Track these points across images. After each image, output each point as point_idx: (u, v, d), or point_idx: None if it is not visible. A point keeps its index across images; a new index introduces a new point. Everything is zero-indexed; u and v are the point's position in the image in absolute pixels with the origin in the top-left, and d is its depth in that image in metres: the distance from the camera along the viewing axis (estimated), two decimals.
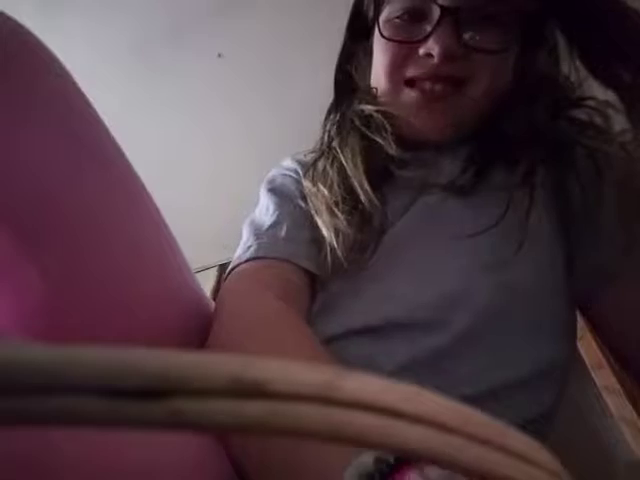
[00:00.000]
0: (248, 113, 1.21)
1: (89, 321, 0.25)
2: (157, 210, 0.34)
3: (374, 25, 0.41)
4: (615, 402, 0.69)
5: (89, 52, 1.16)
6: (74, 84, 0.29)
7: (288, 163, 0.51)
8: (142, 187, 0.32)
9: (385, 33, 0.40)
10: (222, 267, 1.26)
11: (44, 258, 0.24)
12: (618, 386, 0.71)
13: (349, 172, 0.40)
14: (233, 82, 1.20)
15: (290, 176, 0.48)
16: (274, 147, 1.14)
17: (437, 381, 0.33)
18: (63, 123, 0.26)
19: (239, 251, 0.42)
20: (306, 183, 0.43)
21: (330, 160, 0.43)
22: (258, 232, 0.43)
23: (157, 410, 0.08)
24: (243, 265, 0.40)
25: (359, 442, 0.09)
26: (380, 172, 0.41)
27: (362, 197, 0.38)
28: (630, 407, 0.68)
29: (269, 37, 1.16)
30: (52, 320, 0.24)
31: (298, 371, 0.09)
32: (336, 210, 0.39)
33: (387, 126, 0.41)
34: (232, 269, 0.41)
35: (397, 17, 0.40)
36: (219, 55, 1.19)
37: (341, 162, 0.42)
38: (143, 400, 0.08)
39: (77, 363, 0.08)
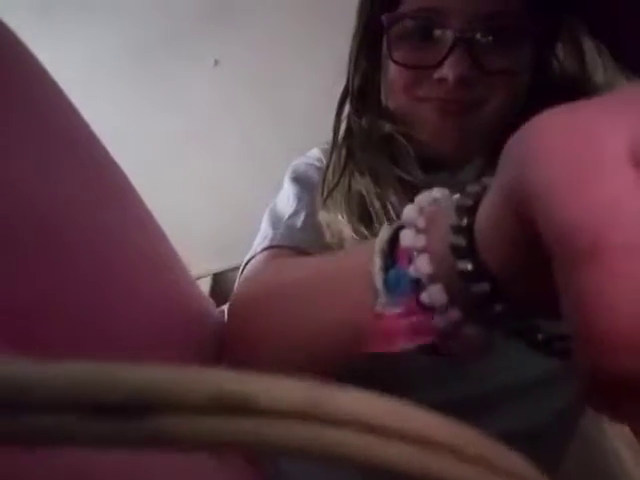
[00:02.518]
0: (245, 120, 1.22)
1: (69, 331, 0.25)
2: (148, 212, 0.33)
3: (384, 42, 0.41)
4: None
5: (86, 58, 1.16)
6: (44, 73, 0.28)
7: (314, 152, 0.51)
8: (130, 188, 0.32)
9: (396, 57, 0.39)
10: (216, 276, 1.24)
11: (16, 261, 0.23)
12: None
13: (375, 193, 0.40)
14: (230, 89, 1.20)
15: (314, 165, 0.48)
16: (271, 154, 1.14)
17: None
18: (30, 113, 0.25)
19: (256, 241, 0.42)
20: (322, 215, 0.42)
21: (347, 184, 0.42)
22: (276, 222, 0.43)
23: (137, 428, 0.08)
24: (258, 256, 0.40)
25: (345, 460, 0.09)
26: (403, 194, 0.40)
27: (392, 214, 0.38)
28: None
29: (266, 44, 1.16)
30: (26, 329, 0.23)
31: (283, 387, 0.09)
32: (360, 228, 0.38)
33: (410, 150, 0.41)
34: (248, 261, 0.41)
35: (408, 38, 0.39)
36: (215, 62, 1.19)
37: (365, 182, 0.41)
38: (123, 417, 0.08)
39: (53, 378, 0.08)
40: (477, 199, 0.18)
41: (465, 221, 0.18)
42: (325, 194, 0.42)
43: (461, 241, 0.18)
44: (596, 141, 0.12)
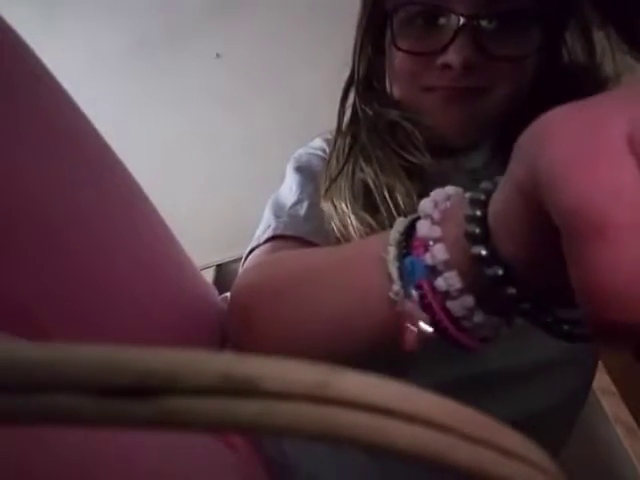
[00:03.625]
0: (246, 113, 1.21)
1: (73, 324, 0.25)
2: (151, 206, 0.33)
3: (388, 30, 0.40)
4: (610, 403, 0.70)
5: (87, 53, 1.15)
6: (43, 67, 0.28)
7: (316, 142, 0.50)
8: (133, 182, 0.32)
9: (400, 44, 0.39)
10: (219, 267, 1.25)
11: (21, 255, 0.23)
12: (613, 387, 0.71)
13: (380, 181, 0.39)
14: (231, 82, 1.20)
15: (317, 155, 0.48)
16: (272, 148, 1.14)
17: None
18: (33, 112, 0.25)
19: (259, 231, 0.42)
20: (325, 203, 0.41)
21: (351, 172, 0.41)
22: (279, 212, 0.42)
23: (146, 409, 0.08)
24: (262, 246, 0.40)
25: (353, 441, 0.09)
26: (409, 182, 0.40)
27: (400, 202, 0.37)
28: (625, 408, 0.69)
29: (267, 37, 1.16)
30: (30, 324, 0.23)
31: (292, 369, 0.09)
32: (365, 217, 0.38)
33: (418, 135, 0.40)
34: (251, 250, 0.41)
35: (412, 25, 0.38)
36: (217, 55, 1.18)
37: (370, 170, 0.40)
38: (133, 399, 0.08)
39: (65, 361, 0.08)
40: (489, 195, 0.19)
41: (479, 212, 0.19)
42: (328, 182, 0.41)
43: (475, 229, 0.19)
44: (601, 131, 0.13)
